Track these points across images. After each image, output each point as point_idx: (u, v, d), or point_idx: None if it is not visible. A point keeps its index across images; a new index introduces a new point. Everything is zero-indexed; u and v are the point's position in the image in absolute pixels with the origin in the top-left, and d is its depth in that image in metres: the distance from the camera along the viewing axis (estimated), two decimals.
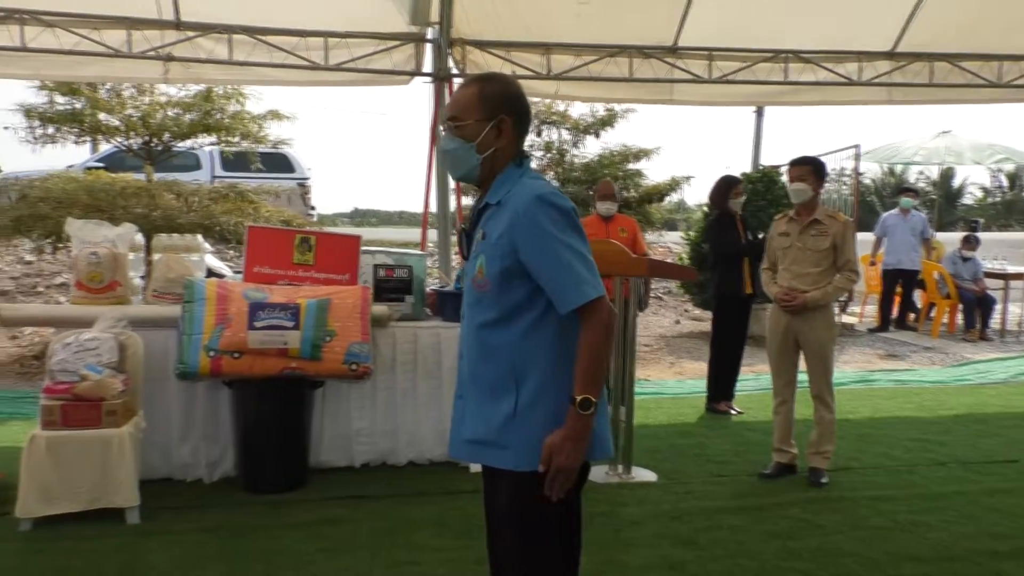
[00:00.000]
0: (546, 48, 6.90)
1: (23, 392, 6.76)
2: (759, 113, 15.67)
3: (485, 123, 1.97)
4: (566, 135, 11.10)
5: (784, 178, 7.44)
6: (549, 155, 11.08)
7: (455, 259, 7.97)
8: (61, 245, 8.22)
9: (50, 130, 8.68)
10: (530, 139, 11.07)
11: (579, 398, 1.84)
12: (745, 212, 6.51)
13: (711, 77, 7.06)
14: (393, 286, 4.79)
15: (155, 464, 4.31)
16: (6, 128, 8.60)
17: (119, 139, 9.02)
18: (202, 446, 4.45)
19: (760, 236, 5.99)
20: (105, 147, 12.16)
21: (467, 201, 9.70)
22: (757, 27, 6.90)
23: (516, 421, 1.92)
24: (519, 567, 1.99)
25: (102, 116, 8.52)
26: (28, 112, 8.45)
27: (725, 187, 6.31)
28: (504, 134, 1.99)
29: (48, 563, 3.36)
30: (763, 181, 9.71)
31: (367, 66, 6.63)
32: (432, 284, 5.47)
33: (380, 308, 4.57)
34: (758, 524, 3.97)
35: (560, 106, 10.87)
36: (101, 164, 12.07)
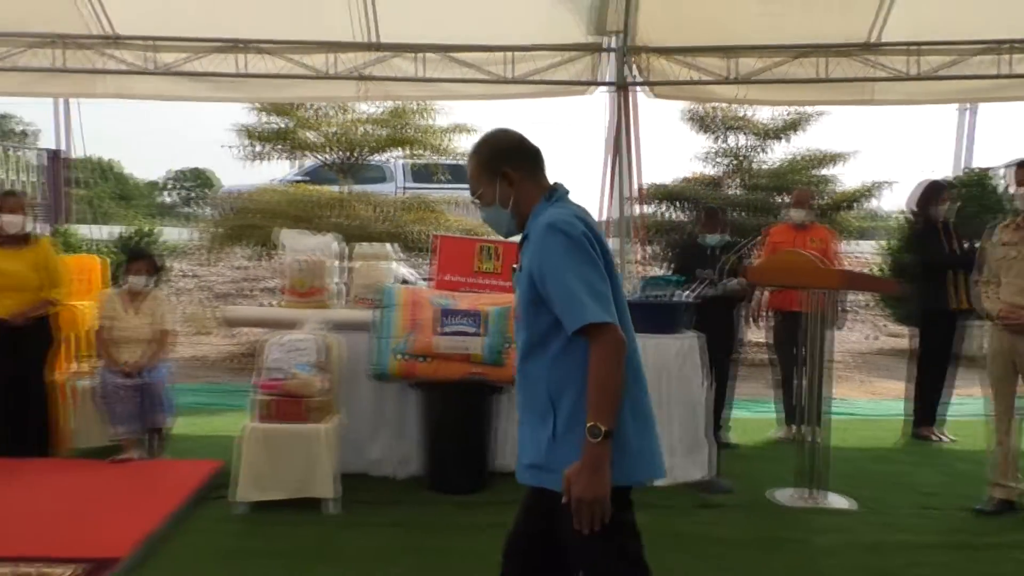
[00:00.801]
0: (729, 52, 6.69)
1: (235, 386, 7.44)
2: (966, 111, 14.32)
3: (494, 183, 2.10)
4: (750, 140, 10.67)
5: (1002, 182, 6.74)
6: (734, 162, 10.70)
7: (632, 268, 7.90)
8: (269, 252, 8.99)
9: (260, 147, 9.52)
10: (709, 145, 10.77)
11: (588, 425, 1.84)
12: (953, 220, 5.96)
13: (915, 74, 6.54)
14: None
15: (351, 459, 4.58)
16: (225, 147, 9.55)
17: (320, 154, 9.74)
18: (392, 444, 4.67)
19: (972, 246, 5.46)
20: (307, 162, 13.13)
21: (648, 210, 9.61)
22: (968, 16, 6.31)
23: (556, 444, 1.95)
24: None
25: (307, 134, 9.23)
26: (243, 132, 9.32)
27: (931, 193, 5.81)
28: (514, 182, 2.09)
29: (259, 545, 3.66)
30: (975, 186, 8.85)
31: (548, 78, 6.73)
32: None
33: None
34: (971, 564, 3.60)
35: (742, 110, 10.50)
36: (303, 178, 13.04)
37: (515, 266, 2.13)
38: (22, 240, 4.68)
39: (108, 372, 4.74)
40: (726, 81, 6.74)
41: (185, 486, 4.17)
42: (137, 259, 5.05)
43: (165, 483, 4.28)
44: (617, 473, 1.89)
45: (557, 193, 2.11)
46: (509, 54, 6.57)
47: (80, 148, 12.38)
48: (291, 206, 8.47)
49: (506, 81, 6.62)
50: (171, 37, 6.54)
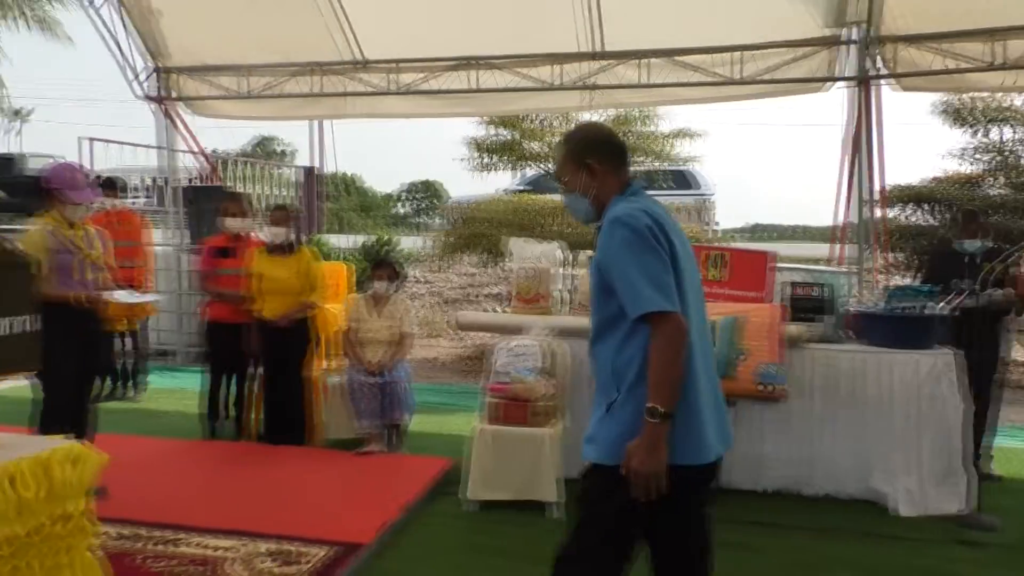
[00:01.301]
0: (994, 34, 5.97)
1: (464, 387, 7.79)
2: None
3: (578, 173, 2.22)
4: (1019, 133, 9.45)
5: None
6: (996, 158, 9.52)
7: (873, 276, 7.27)
8: (494, 260, 9.35)
9: (488, 159, 9.95)
10: (967, 140, 9.68)
11: (648, 406, 1.95)
12: None
13: None
14: (808, 305, 4.53)
15: (574, 464, 4.59)
16: (455, 159, 10.09)
17: (543, 164, 9.99)
18: None
19: None
20: (529, 172, 13.48)
21: (892, 213, 8.83)
22: None
23: (606, 418, 2.08)
24: (568, 542, 2.17)
25: (531, 144, 9.51)
26: (473, 145, 9.79)
27: None
28: (596, 174, 2.20)
29: (486, 542, 3.80)
30: None
31: (780, 76, 6.40)
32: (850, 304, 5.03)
33: (794, 328, 4.35)
34: None
35: (1008, 100, 9.32)
36: (525, 187, 13.40)
37: (589, 254, 2.25)
38: (288, 249, 5.22)
39: (355, 370, 5.16)
40: (990, 67, 6.03)
41: (421, 481, 4.43)
42: (381, 266, 5.44)
43: (403, 477, 4.57)
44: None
45: (632, 188, 2.23)
46: (737, 54, 6.35)
47: (330, 165, 13.70)
48: (516, 215, 8.76)
49: (734, 82, 6.39)
50: (412, 59, 7.04)
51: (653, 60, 6.52)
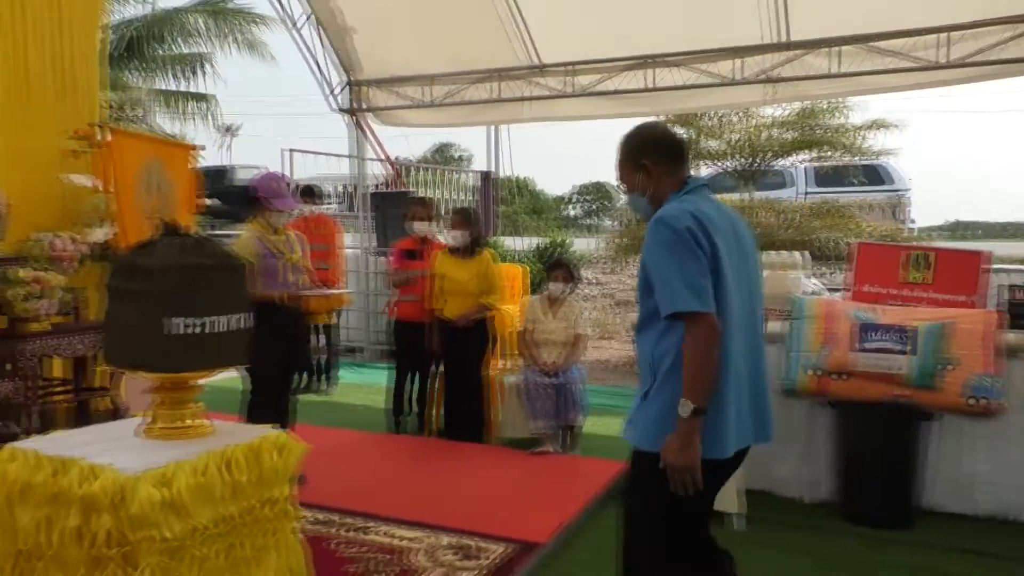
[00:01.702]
0: None
1: (634, 390, 7.68)
2: None
3: (636, 174, 2.31)
4: None
5: None
6: None
7: None
8: None
9: None
10: None
11: (681, 401, 2.05)
12: None
13: None
14: None
15: (756, 475, 4.40)
16: None
17: (722, 162, 9.66)
18: (800, 464, 4.39)
19: None
20: (704, 171, 13.08)
21: None
22: None
23: (644, 403, 2.20)
24: (626, 535, 2.33)
25: (709, 142, 9.22)
26: None
27: None
28: (652, 174, 2.29)
29: None
30: None
31: (995, 57, 5.78)
32: None
33: (1013, 336, 3.91)
34: None
35: None
36: None
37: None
38: (468, 251, 5.36)
39: (530, 371, 5.22)
40: None
41: (597, 483, 4.40)
42: (557, 268, 5.47)
43: (579, 478, 4.56)
44: (662, 438, 2.11)
45: (688, 186, 2.28)
46: (943, 35, 5.80)
47: (506, 169, 14.00)
48: None
49: (939, 67, 5.85)
50: (588, 60, 7.02)
51: (845, 48, 6.10)
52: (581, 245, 16.09)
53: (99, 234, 5.03)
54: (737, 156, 9.37)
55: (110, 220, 5.00)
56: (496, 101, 7.51)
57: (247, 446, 2.30)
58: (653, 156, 2.30)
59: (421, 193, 10.98)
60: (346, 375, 7.79)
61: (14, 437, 3.19)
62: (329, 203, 12.40)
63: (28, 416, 3.47)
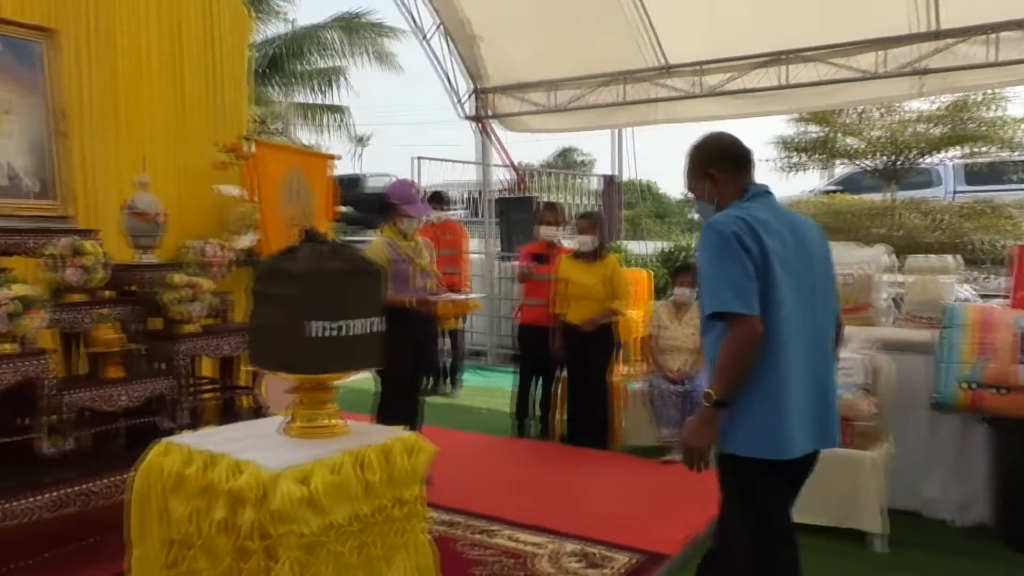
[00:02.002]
0: None
1: None
2: None
3: (703, 182, 2.42)
4: None
5: None
6: None
7: None
8: None
9: (797, 158, 9.34)
10: None
11: (705, 391, 2.19)
12: None
13: None
14: None
15: (900, 494, 4.13)
16: (763, 160, 9.63)
17: (861, 161, 9.16)
18: (951, 484, 4.08)
19: None
20: (839, 170, 12.49)
21: None
22: None
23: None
24: (728, 538, 2.45)
25: (847, 140, 8.77)
26: (780, 144, 9.26)
27: None
28: (718, 182, 2.38)
29: None
30: None
31: None
32: None
33: None
34: None
35: None
36: (835, 187, 12.43)
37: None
38: (594, 255, 5.31)
39: (656, 377, 5.12)
40: None
41: None
42: (683, 272, 5.35)
43: (707, 489, 4.41)
44: (740, 444, 2.23)
45: (749, 194, 2.36)
46: None
47: (630, 172, 13.82)
48: (829, 217, 8.13)
49: None
50: (717, 59, 6.83)
51: (1003, 34, 5.64)
52: None
53: (245, 241, 5.35)
54: (878, 154, 8.84)
55: (255, 228, 5.30)
56: (622, 104, 7.43)
57: (380, 447, 2.36)
58: (719, 165, 2.41)
59: (544, 198, 11.02)
60: (471, 378, 7.91)
61: (168, 432, 3.42)
62: (455, 209, 12.65)
63: (180, 412, 3.71)
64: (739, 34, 6.62)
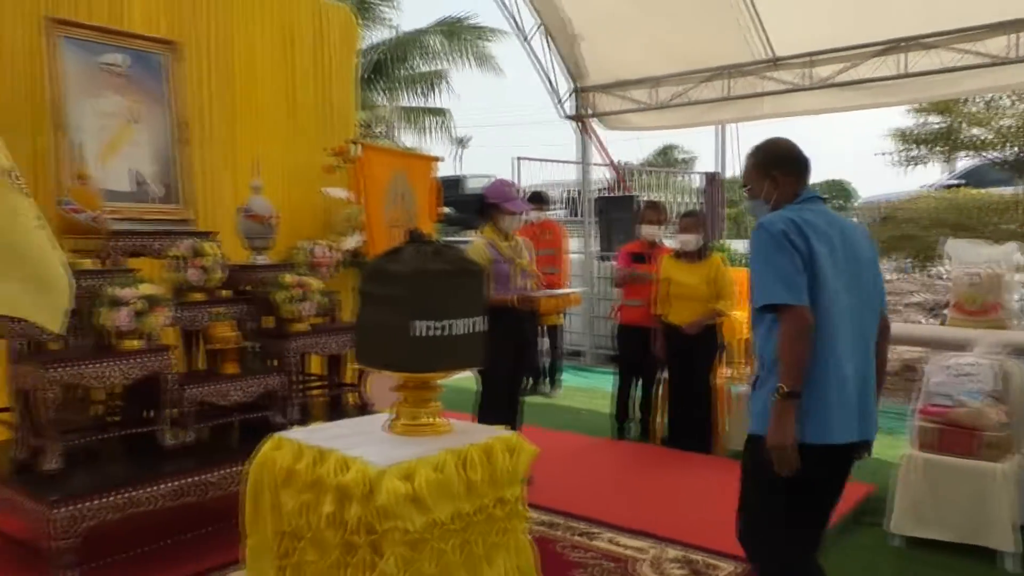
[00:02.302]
0: None
1: (883, 406, 7.04)
2: None
3: (763, 183, 2.53)
4: None
5: None
6: None
7: None
8: (921, 264, 8.29)
9: (916, 151, 8.86)
10: None
11: (776, 385, 2.25)
12: None
13: None
14: None
15: None
16: (879, 154, 9.18)
17: (988, 153, 8.60)
18: None
19: None
20: (962, 163, 11.78)
21: None
22: None
23: (755, 392, 2.41)
24: (742, 514, 2.55)
25: (973, 131, 8.25)
26: (898, 136, 8.79)
27: None
28: (779, 184, 2.50)
29: None
30: None
31: None
32: None
33: None
34: None
35: None
36: (957, 181, 11.74)
37: None
38: (697, 255, 5.18)
39: None
40: None
41: (840, 506, 4.04)
42: None
43: None
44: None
45: (801, 198, 2.49)
46: None
47: (733, 169, 13.45)
48: (951, 213, 7.66)
49: None
50: (828, 50, 6.55)
51: None
52: None
53: (351, 242, 5.51)
54: (1008, 145, 8.26)
55: (360, 229, 5.45)
56: (726, 99, 7.23)
57: (481, 446, 2.37)
58: (782, 168, 2.53)
59: (644, 197, 10.87)
60: (569, 378, 7.88)
61: (279, 427, 3.55)
62: (553, 209, 12.66)
63: (290, 408, 3.85)
64: (852, 22, 6.31)
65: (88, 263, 3.48)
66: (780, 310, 2.26)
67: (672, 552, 3.48)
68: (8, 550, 3.28)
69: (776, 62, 6.89)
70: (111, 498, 2.93)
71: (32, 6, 4.42)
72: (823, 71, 6.62)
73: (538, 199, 7.07)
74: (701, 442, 5.15)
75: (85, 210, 3.43)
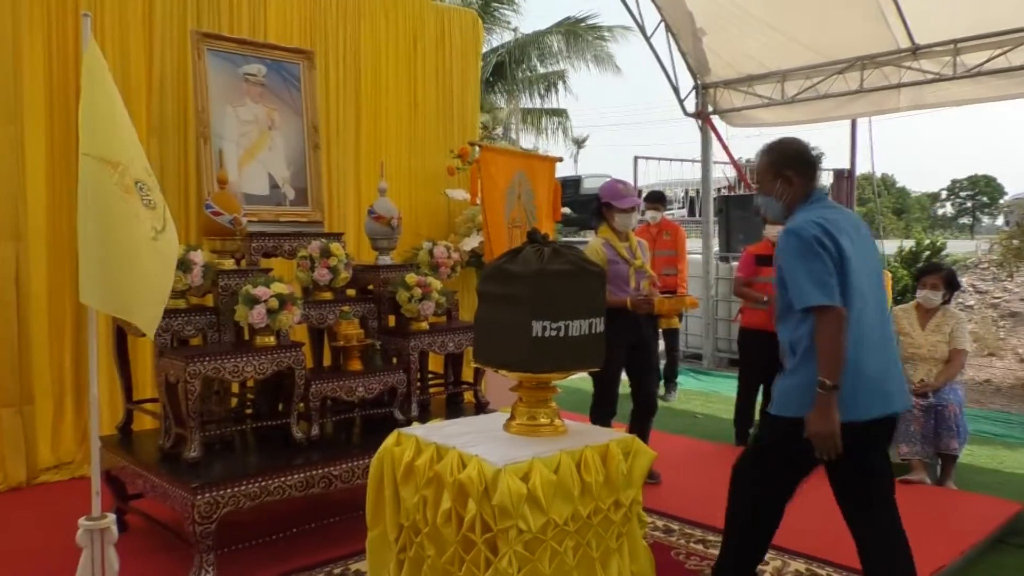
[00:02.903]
0: None
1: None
2: None
3: (776, 181, 2.71)
4: None
5: None
6: None
7: None
8: None
9: None
10: None
11: (819, 379, 2.45)
12: None
13: None
14: None
15: None
16: None
17: None
18: None
19: None
20: None
21: None
22: None
23: (785, 378, 2.66)
24: (737, 470, 2.89)
25: None
26: None
27: None
28: (793, 184, 2.69)
29: None
30: None
31: None
32: None
33: None
34: None
35: None
36: None
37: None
38: None
39: None
40: None
41: (980, 525, 3.80)
42: (929, 273, 4.85)
43: (959, 516, 3.97)
44: (796, 406, 2.54)
45: (813, 196, 2.68)
46: None
47: (864, 165, 12.79)
48: None
49: None
50: (977, 36, 6.10)
51: None
52: (956, 247, 14.14)
53: (471, 242, 5.61)
54: None
55: (479, 229, 5.54)
56: (859, 92, 6.87)
57: (598, 448, 2.36)
58: (796, 168, 2.68)
59: None
60: (687, 382, 7.72)
61: (400, 423, 3.66)
62: (670, 209, 12.42)
63: (410, 404, 3.95)
64: (1004, 5, 5.85)
65: (228, 263, 3.69)
66: (817, 311, 2.46)
67: (795, 564, 3.35)
68: (155, 534, 3.53)
69: (917, 51, 6.47)
70: (246, 487, 3.10)
71: (180, 21, 4.74)
72: (971, 59, 6.16)
73: (656, 198, 6.95)
74: None
75: (225, 213, 3.64)
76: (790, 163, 2.69)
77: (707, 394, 7.30)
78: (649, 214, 6.67)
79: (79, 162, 2.44)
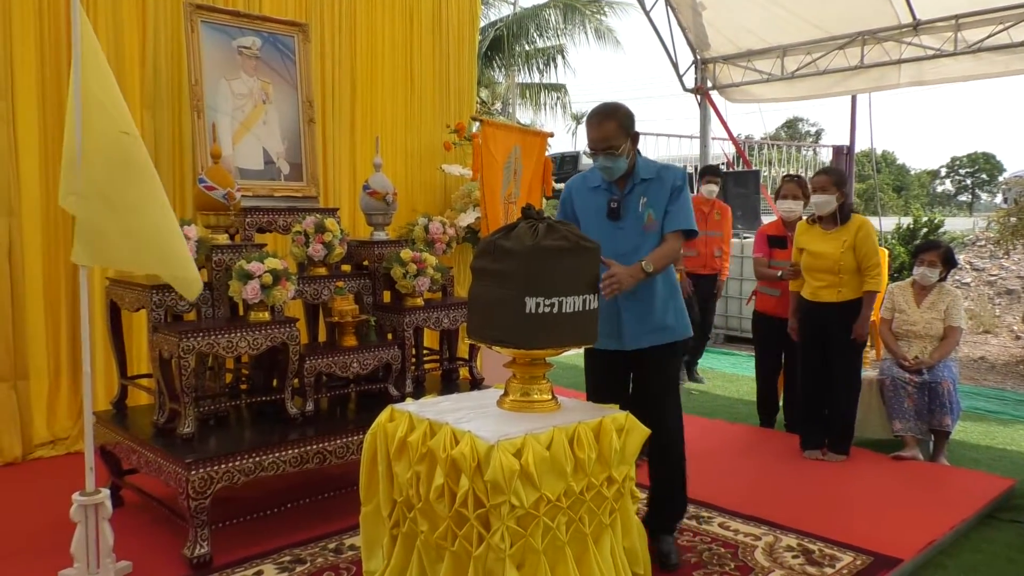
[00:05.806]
0: None
1: (1018, 394, 6.59)
2: None
3: (626, 140, 2.96)
4: None
5: None
6: None
7: None
8: None
9: None
10: None
11: (643, 263, 2.89)
12: None
13: None
14: None
15: None
16: None
17: None
18: None
19: None
20: None
21: None
22: None
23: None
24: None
25: None
26: None
27: None
28: (635, 141, 3.00)
29: None
30: None
31: None
32: None
33: None
34: None
35: None
36: None
37: (629, 199, 3.02)
38: (834, 219, 4.45)
39: (891, 365, 4.69)
40: None
41: (971, 500, 3.82)
42: (926, 251, 4.83)
43: (951, 492, 4.00)
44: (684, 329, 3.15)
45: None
46: None
47: (863, 141, 12.73)
48: None
49: None
50: (978, 11, 6.04)
51: None
52: (953, 225, 14.13)
53: (468, 218, 5.57)
54: None
55: (476, 205, 5.50)
56: (859, 68, 6.82)
57: (591, 424, 2.36)
58: (634, 126, 2.98)
59: (766, 171, 10.45)
60: (710, 362, 7.69)
61: (394, 399, 3.66)
62: None
63: (404, 380, 3.95)
64: None
65: (222, 238, 3.67)
66: (683, 232, 3.01)
67: (788, 540, 3.36)
68: (150, 509, 3.54)
69: (918, 26, 6.42)
70: (240, 462, 3.10)
71: None
72: (972, 34, 6.11)
73: (712, 171, 6.29)
74: (838, 442, 4.52)
75: (219, 187, 3.61)
76: (633, 123, 2.98)
77: (729, 375, 7.27)
78: (705, 188, 6.16)
79: (116, 143, 2.51)
